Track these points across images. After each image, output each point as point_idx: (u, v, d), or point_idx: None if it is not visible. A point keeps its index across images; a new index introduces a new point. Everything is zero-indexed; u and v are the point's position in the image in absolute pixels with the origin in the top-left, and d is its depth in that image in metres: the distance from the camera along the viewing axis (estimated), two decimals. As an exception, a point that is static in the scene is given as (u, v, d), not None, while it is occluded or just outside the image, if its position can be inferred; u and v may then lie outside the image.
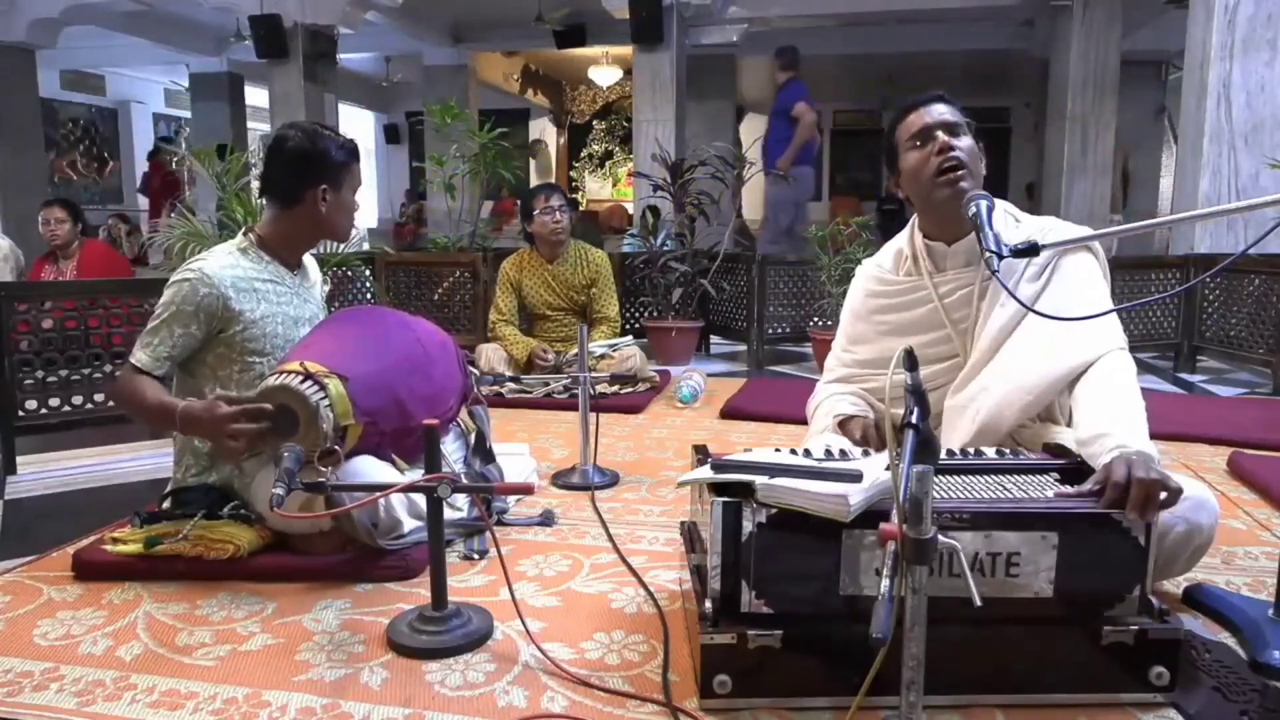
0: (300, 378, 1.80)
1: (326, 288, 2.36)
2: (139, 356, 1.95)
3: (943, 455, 1.59)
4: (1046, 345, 1.69)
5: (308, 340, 2.02)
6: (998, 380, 1.74)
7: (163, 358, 1.96)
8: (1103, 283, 1.78)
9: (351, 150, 2.13)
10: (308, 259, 2.24)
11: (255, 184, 4.63)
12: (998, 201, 1.86)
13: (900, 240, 1.96)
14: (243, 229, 2.16)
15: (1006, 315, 1.76)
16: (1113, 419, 1.54)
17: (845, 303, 2.06)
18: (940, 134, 1.78)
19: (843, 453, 1.62)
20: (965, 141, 1.79)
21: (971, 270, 1.82)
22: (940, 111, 1.81)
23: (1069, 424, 1.71)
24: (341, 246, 4.49)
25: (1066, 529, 1.35)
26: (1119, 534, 1.36)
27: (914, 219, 1.92)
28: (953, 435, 1.78)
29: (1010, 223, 1.83)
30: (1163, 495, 1.36)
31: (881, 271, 1.97)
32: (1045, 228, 1.80)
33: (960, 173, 1.75)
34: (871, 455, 1.62)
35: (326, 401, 1.79)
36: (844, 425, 1.89)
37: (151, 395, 1.92)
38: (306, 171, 2.05)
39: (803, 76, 6.46)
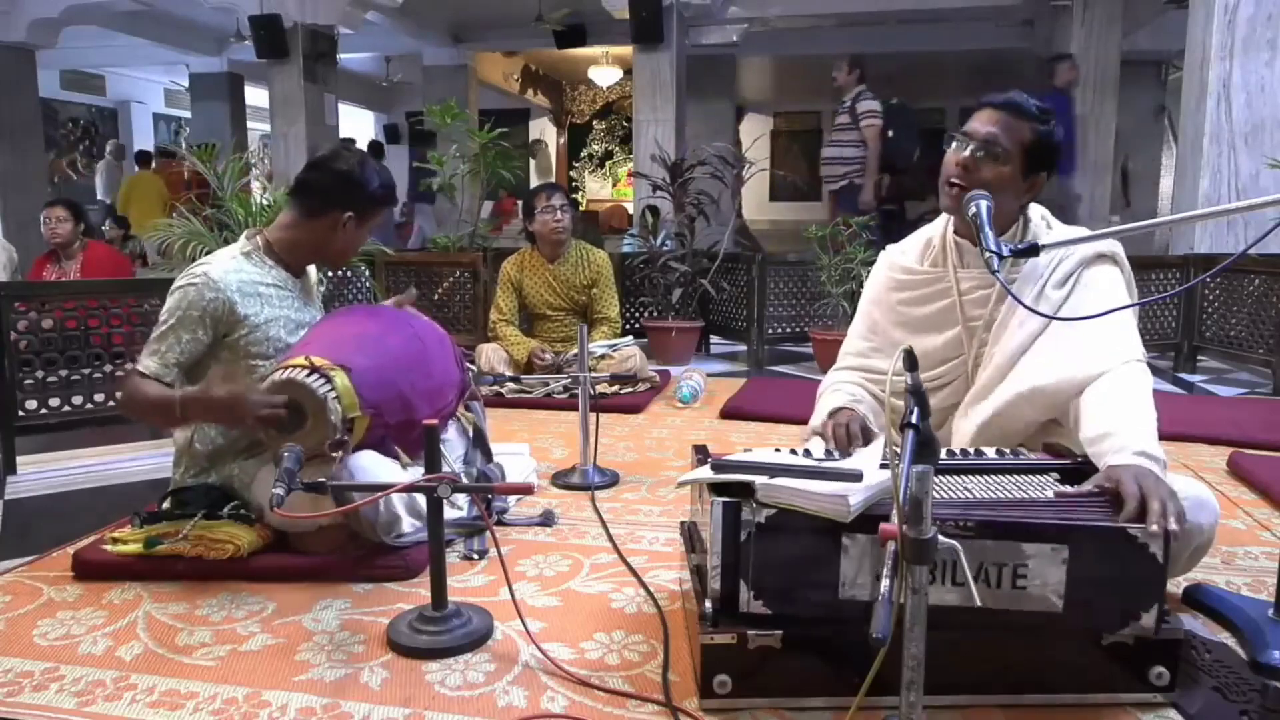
0: (306, 371, 1.80)
1: (323, 288, 2.37)
2: (146, 364, 1.94)
3: (943, 455, 1.59)
4: (1060, 356, 1.69)
5: (309, 336, 2.02)
6: (1011, 391, 1.73)
7: (171, 364, 1.95)
8: (1126, 295, 1.76)
9: (390, 194, 2.16)
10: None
11: (255, 185, 4.64)
12: (1038, 208, 1.86)
13: (932, 230, 1.95)
14: (245, 232, 2.16)
15: (1027, 326, 1.75)
16: (1119, 420, 1.53)
17: (865, 288, 2.05)
18: (970, 148, 1.75)
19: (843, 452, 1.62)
20: (993, 170, 1.73)
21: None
22: (991, 124, 1.75)
23: (1076, 428, 1.71)
24: None
25: (1077, 542, 1.33)
26: (1134, 549, 1.34)
27: None
28: (963, 444, 1.77)
29: (1043, 227, 1.83)
30: (1171, 506, 1.35)
31: (905, 259, 1.96)
32: (1071, 233, 1.80)
33: (959, 194, 1.74)
34: (870, 448, 1.62)
35: (333, 394, 1.80)
36: (833, 417, 1.87)
37: (153, 393, 1.92)
38: (341, 193, 2.06)
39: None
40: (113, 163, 11.48)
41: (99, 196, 10.90)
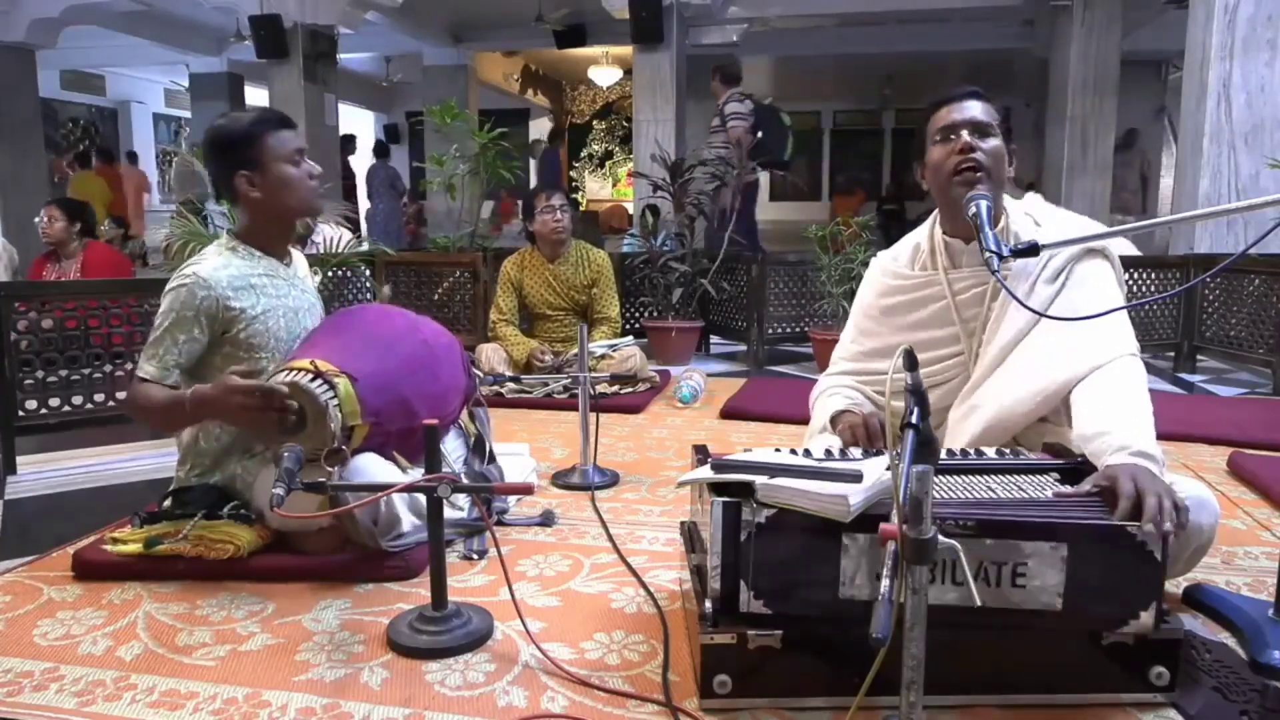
0: (310, 375, 1.79)
1: (316, 278, 2.35)
2: (146, 369, 1.94)
3: (943, 455, 1.59)
4: (1057, 350, 1.69)
5: (315, 338, 2.01)
6: (1005, 386, 1.74)
7: (170, 366, 1.94)
8: (1117, 289, 1.77)
9: (262, 121, 2.02)
10: (293, 251, 2.23)
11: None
12: (1018, 203, 1.87)
13: (919, 234, 1.96)
14: (226, 230, 2.16)
15: (1020, 322, 1.75)
16: (1115, 417, 1.54)
17: (857, 294, 2.06)
18: (964, 133, 1.76)
19: (843, 452, 1.62)
20: (990, 143, 1.77)
21: (987, 270, 1.81)
22: (970, 109, 1.79)
23: (1071, 423, 1.71)
24: (337, 242, 4.48)
25: (1076, 541, 1.33)
26: (1132, 548, 1.33)
27: (935, 213, 1.92)
28: (958, 439, 1.77)
29: (1030, 224, 1.82)
30: (1167, 504, 1.35)
31: (897, 265, 1.97)
32: (1066, 226, 1.79)
33: (978, 174, 1.74)
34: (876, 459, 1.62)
35: (335, 401, 1.79)
36: (835, 422, 1.89)
37: (160, 396, 1.92)
38: (222, 163, 2.04)
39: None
40: (187, 158, 11.43)
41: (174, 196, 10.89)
